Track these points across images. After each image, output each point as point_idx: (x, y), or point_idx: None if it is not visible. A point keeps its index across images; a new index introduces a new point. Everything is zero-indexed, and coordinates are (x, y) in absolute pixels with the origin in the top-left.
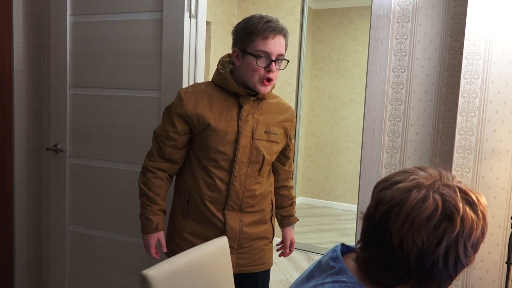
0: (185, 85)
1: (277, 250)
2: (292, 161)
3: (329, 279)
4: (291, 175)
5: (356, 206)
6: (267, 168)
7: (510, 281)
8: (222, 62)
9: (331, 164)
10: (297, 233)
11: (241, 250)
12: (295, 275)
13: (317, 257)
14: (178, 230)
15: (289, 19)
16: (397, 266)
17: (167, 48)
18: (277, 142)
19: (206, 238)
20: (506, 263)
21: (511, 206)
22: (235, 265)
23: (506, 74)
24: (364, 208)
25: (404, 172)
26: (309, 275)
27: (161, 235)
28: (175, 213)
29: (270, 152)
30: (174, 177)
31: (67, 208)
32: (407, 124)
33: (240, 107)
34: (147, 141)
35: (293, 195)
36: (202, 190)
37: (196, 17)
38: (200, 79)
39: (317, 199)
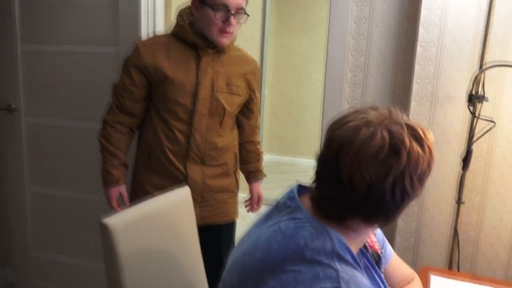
0: (144, 38)
1: (245, 206)
2: (258, 116)
3: (285, 217)
4: (258, 131)
5: None
6: (229, 121)
7: (459, 219)
8: (181, 14)
9: (297, 121)
10: (264, 189)
11: (205, 203)
12: None
13: None
14: (140, 184)
15: None
16: (347, 201)
17: (123, 1)
18: (239, 95)
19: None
20: (456, 202)
21: (463, 150)
22: (198, 217)
23: (463, 23)
24: None
25: (355, 111)
26: (267, 216)
27: (122, 189)
28: (136, 167)
29: (232, 104)
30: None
31: (26, 168)
32: (368, 74)
33: (200, 59)
34: (106, 98)
35: (260, 150)
36: (163, 143)
37: None
38: (160, 32)
39: (283, 156)
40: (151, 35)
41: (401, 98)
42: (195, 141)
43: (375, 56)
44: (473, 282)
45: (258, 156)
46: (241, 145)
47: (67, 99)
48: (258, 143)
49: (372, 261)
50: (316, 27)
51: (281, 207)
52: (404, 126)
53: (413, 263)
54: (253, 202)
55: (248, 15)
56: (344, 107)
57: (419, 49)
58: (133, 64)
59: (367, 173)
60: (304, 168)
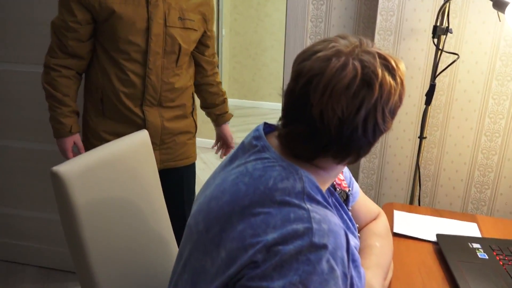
0: None
1: (216, 152)
2: (216, 53)
3: (252, 157)
4: (217, 70)
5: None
6: (185, 58)
7: (421, 154)
8: None
9: (257, 64)
10: None
11: (164, 146)
12: None
13: None
14: (93, 130)
15: None
16: (318, 138)
17: None
18: (195, 30)
19: None
20: (418, 137)
21: (425, 85)
22: (158, 161)
23: None
24: None
25: (324, 41)
26: (232, 157)
27: (77, 138)
28: (87, 113)
29: (188, 41)
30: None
31: None
32: (330, 7)
33: None
34: (47, 37)
35: (223, 91)
36: (115, 86)
37: None
38: None
39: (244, 99)
40: None
41: (365, 32)
42: (150, 82)
43: (336, 5)
44: (433, 215)
45: (223, 97)
46: (203, 86)
47: (7, 40)
48: (220, 83)
49: (340, 200)
50: (271, 15)
51: (246, 147)
52: (376, 55)
53: (375, 199)
54: (226, 144)
55: None
56: (307, 43)
57: None
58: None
59: (338, 106)
60: (264, 111)
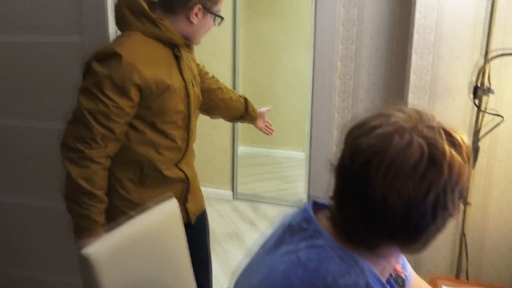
0: (111, 26)
1: (268, 132)
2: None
3: (303, 244)
4: (214, 77)
5: (301, 152)
6: None
7: (466, 222)
8: (141, 6)
9: (271, 111)
10: (241, 183)
11: (195, 196)
12: (241, 226)
13: (263, 207)
14: (127, 200)
15: None
16: (381, 225)
17: None
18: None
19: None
20: (462, 203)
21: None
22: (193, 212)
23: (462, 8)
24: (319, 156)
25: (381, 115)
26: (278, 240)
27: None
28: (120, 184)
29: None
30: None
31: None
32: (359, 65)
33: (179, 58)
34: (69, 94)
35: (232, 90)
36: (163, 154)
37: None
38: None
39: (257, 147)
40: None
41: (397, 91)
42: (190, 142)
43: (367, 44)
44: None
45: (243, 98)
46: (226, 102)
47: (25, 96)
48: (225, 86)
49: (395, 286)
50: (287, 12)
51: (295, 230)
52: (441, 131)
53: (415, 269)
54: (269, 127)
55: (222, 18)
56: (335, 100)
57: (416, 37)
58: (134, 84)
59: (404, 190)
60: (279, 159)
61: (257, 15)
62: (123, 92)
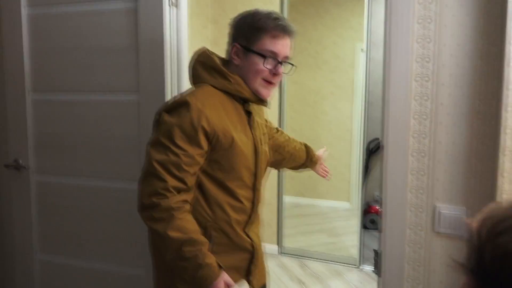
0: (168, 86)
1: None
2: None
3: None
4: (279, 131)
5: (346, 203)
6: None
7: None
8: (212, 61)
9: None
10: (286, 236)
11: (259, 268)
12: (290, 285)
13: (310, 263)
14: None
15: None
16: None
17: (144, 42)
18: (268, 142)
19: (235, 268)
20: None
21: None
22: (259, 285)
23: None
24: (394, 218)
25: None
26: None
27: (226, 276)
28: None
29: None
30: None
31: (35, 233)
32: (436, 122)
33: (250, 114)
34: (126, 152)
35: (293, 138)
36: (229, 215)
37: (177, 5)
38: (185, 78)
39: (301, 197)
40: (175, 81)
41: (487, 153)
42: (257, 203)
43: (444, 101)
44: None
45: (298, 144)
46: (288, 154)
47: (82, 154)
48: (288, 136)
49: None
50: (330, 62)
51: None
52: None
53: None
54: (326, 170)
55: (293, 66)
56: (408, 159)
57: (505, 93)
58: (202, 129)
59: None
60: (323, 210)
61: (300, 65)
62: (192, 139)
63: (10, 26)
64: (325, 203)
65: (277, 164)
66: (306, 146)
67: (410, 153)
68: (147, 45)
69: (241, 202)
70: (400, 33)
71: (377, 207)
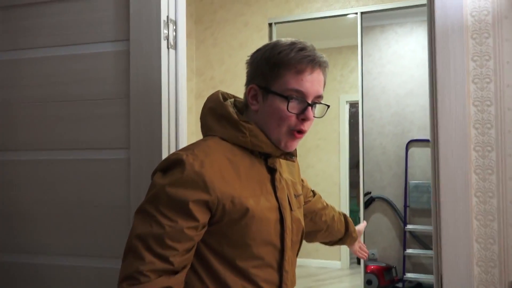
0: (165, 140)
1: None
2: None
3: None
4: (316, 195)
5: (337, 262)
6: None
7: None
8: (223, 107)
9: None
10: None
11: None
12: None
13: None
14: None
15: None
16: None
17: (137, 89)
18: (302, 204)
19: None
20: None
21: None
22: None
23: None
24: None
25: None
26: None
27: None
28: None
29: (303, 220)
30: None
31: None
32: (503, 178)
33: (273, 171)
34: (114, 223)
35: (335, 209)
36: None
37: (175, 47)
38: (183, 130)
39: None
40: (172, 133)
41: None
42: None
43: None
44: None
45: (337, 213)
46: (320, 224)
47: (54, 227)
48: (326, 202)
49: None
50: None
51: None
52: None
53: None
54: (364, 249)
55: (328, 106)
56: (472, 224)
57: None
58: (195, 198)
59: None
60: (312, 270)
61: None
62: (183, 208)
63: None
64: (314, 263)
65: (309, 237)
66: (345, 217)
67: (474, 216)
68: (141, 93)
69: (259, 287)
70: (453, 73)
71: (373, 266)
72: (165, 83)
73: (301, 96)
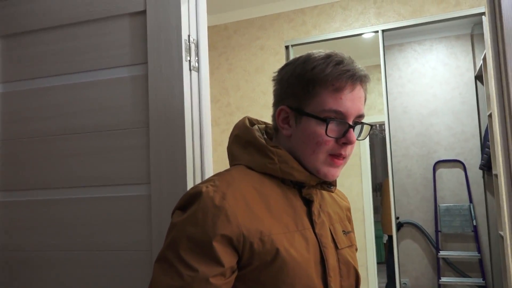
0: (189, 172)
1: None
2: None
3: None
4: None
5: None
6: None
7: None
8: (249, 133)
9: None
10: None
11: None
12: None
13: None
14: None
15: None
16: None
17: (157, 117)
18: (355, 244)
19: None
20: None
21: None
22: None
23: None
24: None
25: None
26: None
27: None
28: None
29: (356, 262)
30: None
31: None
32: None
33: (309, 203)
34: (134, 270)
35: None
36: None
37: (198, 69)
38: (209, 160)
39: None
40: (198, 166)
41: None
42: None
43: None
44: None
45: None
46: None
47: (67, 273)
48: None
49: None
50: None
51: None
52: None
53: None
54: None
55: (371, 126)
56: None
57: None
58: (218, 235)
59: None
60: None
61: None
62: (205, 249)
63: None
64: None
65: None
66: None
67: None
68: (161, 121)
69: None
70: None
71: None
72: (188, 109)
73: (341, 117)
